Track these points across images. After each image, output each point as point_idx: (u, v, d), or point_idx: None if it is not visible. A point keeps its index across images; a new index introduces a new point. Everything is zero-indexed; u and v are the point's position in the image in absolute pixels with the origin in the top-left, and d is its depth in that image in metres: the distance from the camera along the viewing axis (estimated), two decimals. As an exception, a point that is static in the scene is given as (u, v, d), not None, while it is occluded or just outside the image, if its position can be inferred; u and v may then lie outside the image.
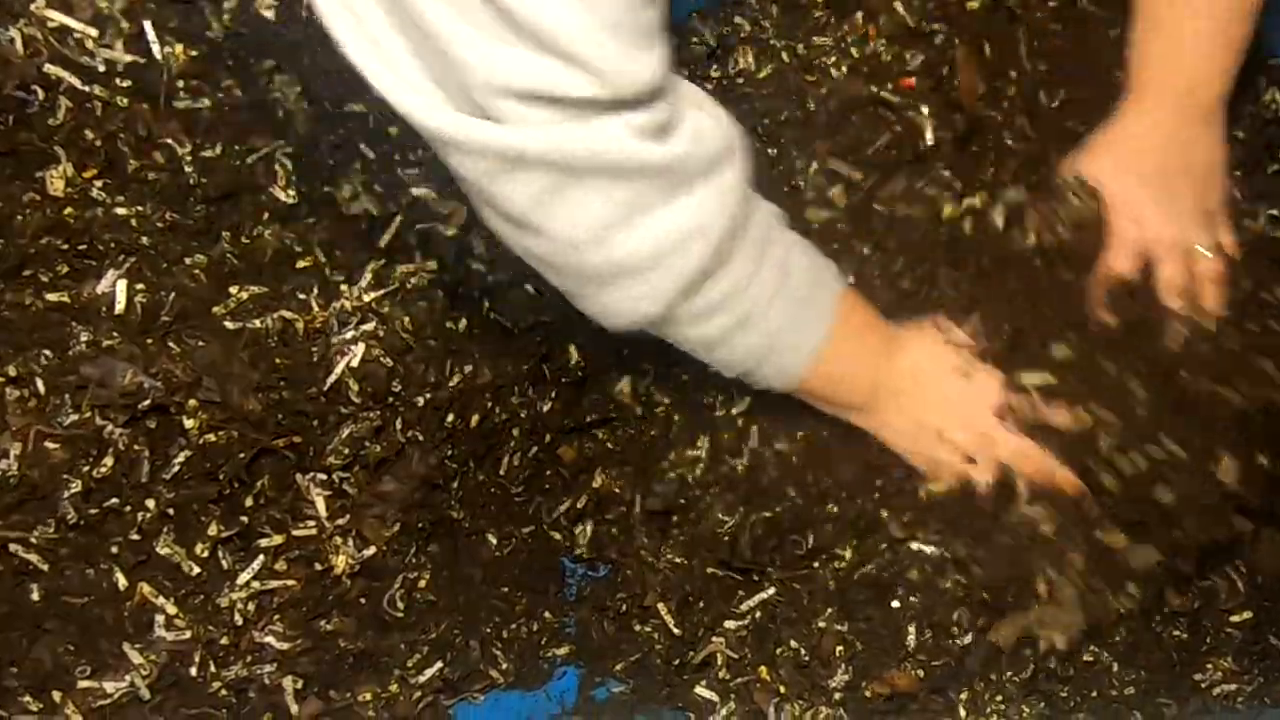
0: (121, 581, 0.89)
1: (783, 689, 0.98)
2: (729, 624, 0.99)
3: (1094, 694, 0.97)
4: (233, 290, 0.92)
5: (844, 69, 0.96)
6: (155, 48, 0.91)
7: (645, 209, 0.69)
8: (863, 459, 0.95)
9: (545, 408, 1.01)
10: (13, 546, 0.86)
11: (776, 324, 0.79)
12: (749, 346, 0.80)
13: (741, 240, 0.75)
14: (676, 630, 1.00)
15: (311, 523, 0.93)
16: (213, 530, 0.90)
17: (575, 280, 0.73)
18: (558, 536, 1.05)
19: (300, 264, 0.94)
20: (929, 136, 0.95)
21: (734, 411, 1.00)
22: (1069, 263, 0.91)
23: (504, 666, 0.99)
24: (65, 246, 0.89)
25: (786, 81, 0.96)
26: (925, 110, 0.94)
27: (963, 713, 0.97)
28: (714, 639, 0.99)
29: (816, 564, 1.00)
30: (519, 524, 1.01)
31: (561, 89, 0.62)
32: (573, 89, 0.63)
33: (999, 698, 0.97)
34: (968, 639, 0.95)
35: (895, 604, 0.98)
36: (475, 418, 0.96)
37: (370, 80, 0.64)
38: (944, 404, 0.90)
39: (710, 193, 0.71)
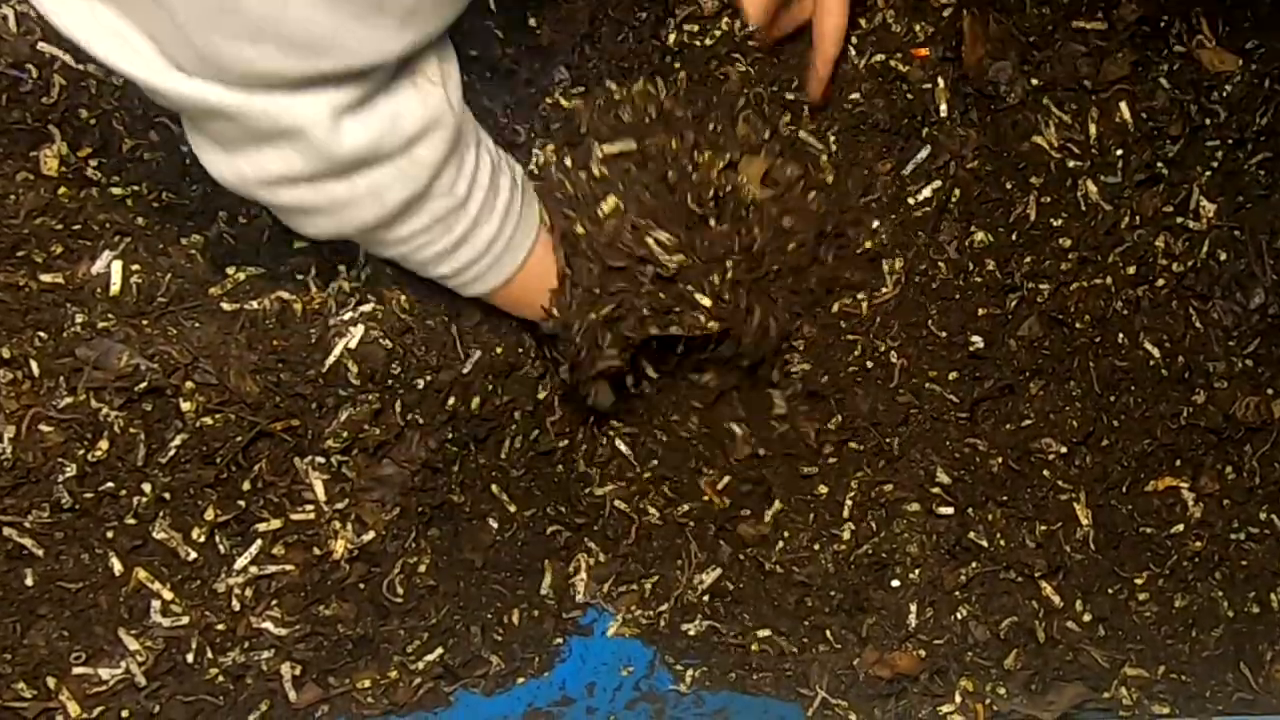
0: (117, 566, 0.88)
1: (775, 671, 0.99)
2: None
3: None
4: (229, 271, 0.91)
5: (853, 40, 0.95)
6: (150, 25, 0.90)
7: (321, 178, 0.72)
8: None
9: (543, 394, 1.00)
10: (6, 531, 0.86)
11: (465, 260, 0.83)
12: (441, 267, 0.84)
13: (428, 201, 0.78)
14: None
15: (310, 507, 0.92)
16: (210, 514, 0.89)
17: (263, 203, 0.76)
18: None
19: (298, 244, 0.93)
20: (943, 107, 0.94)
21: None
22: None
23: (505, 652, 0.99)
24: (59, 227, 0.88)
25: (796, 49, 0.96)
26: (940, 80, 0.93)
27: (958, 698, 0.97)
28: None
29: (817, 546, 0.99)
30: (520, 507, 1.00)
31: (298, 72, 0.65)
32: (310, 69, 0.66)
33: (999, 682, 0.97)
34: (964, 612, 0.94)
35: (895, 583, 0.98)
36: (476, 400, 0.95)
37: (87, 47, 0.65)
38: None
39: (393, 169, 0.74)
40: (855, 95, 0.97)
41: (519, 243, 0.86)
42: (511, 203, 0.84)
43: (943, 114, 0.96)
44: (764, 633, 0.99)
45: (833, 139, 0.97)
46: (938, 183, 0.96)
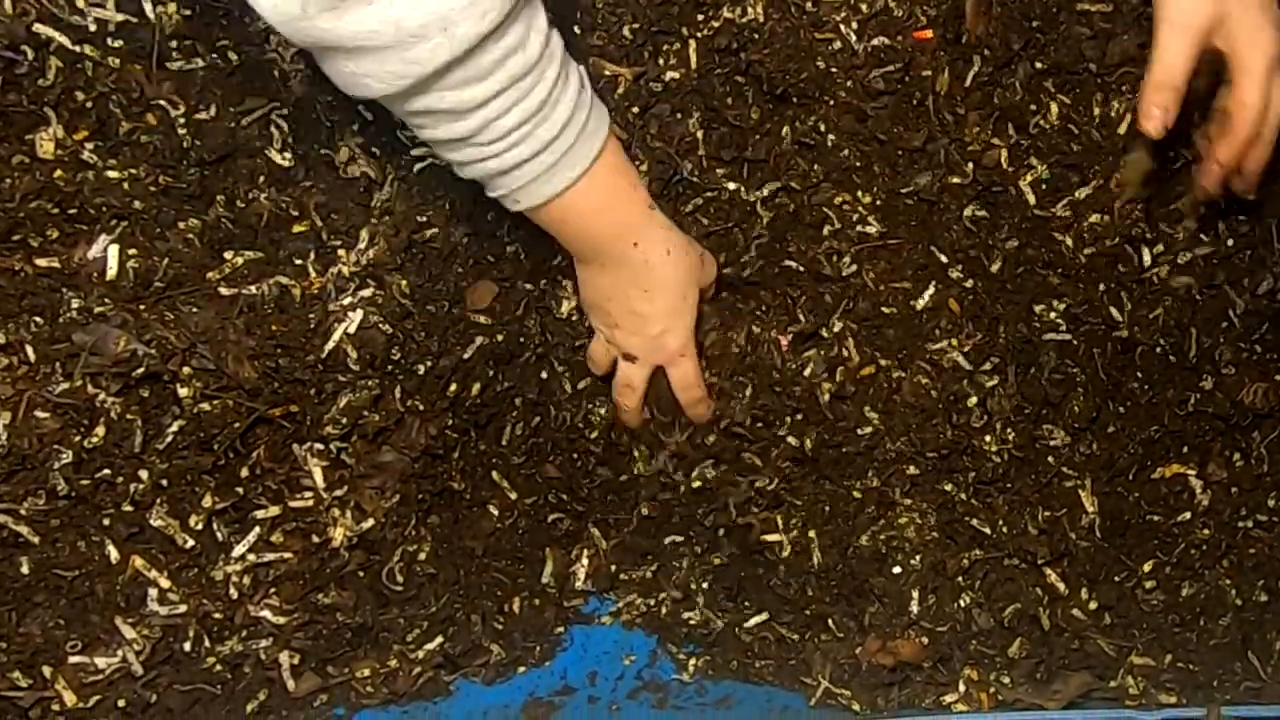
0: (114, 554, 0.88)
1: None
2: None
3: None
4: (227, 255, 0.90)
5: (854, 24, 0.94)
6: (147, 7, 0.89)
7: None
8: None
9: (545, 375, 0.99)
10: (2, 518, 0.85)
11: (543, 140, 0.80)
12: (520, 150, 0.80)
13: (500, 39, 0.74)
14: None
15: (308, 494, 0.91)
16: (207, 501, 0.89)
17: (317, 50, 0.74)
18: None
19: (297, 228, 0.92)
20: (944, 89, 0.94)
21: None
22: None
23: (506, 641, 0.98)
24: (55, 210, 0.87)
25: (797, 37, 0.95)
26: (941, 64, 0.93)
27: (962, 687, 0.96)
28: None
29: (813, 534, 0.99)
30: (522, 495, 0.99)
31: None
32: None
33: (1003, 670, 0.97)
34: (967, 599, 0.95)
35: (896, 569, 0.97)
36: (477, 386, 0.94)
37: None
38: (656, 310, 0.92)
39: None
40: (851, 83, 0.96)
41: (593, 130, 0.83)
42: (582, 89, 0.82)
43: (943, 98, 0.95)
44: (765, 620, 0.99)
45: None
46: (939, 167, 0.96)
